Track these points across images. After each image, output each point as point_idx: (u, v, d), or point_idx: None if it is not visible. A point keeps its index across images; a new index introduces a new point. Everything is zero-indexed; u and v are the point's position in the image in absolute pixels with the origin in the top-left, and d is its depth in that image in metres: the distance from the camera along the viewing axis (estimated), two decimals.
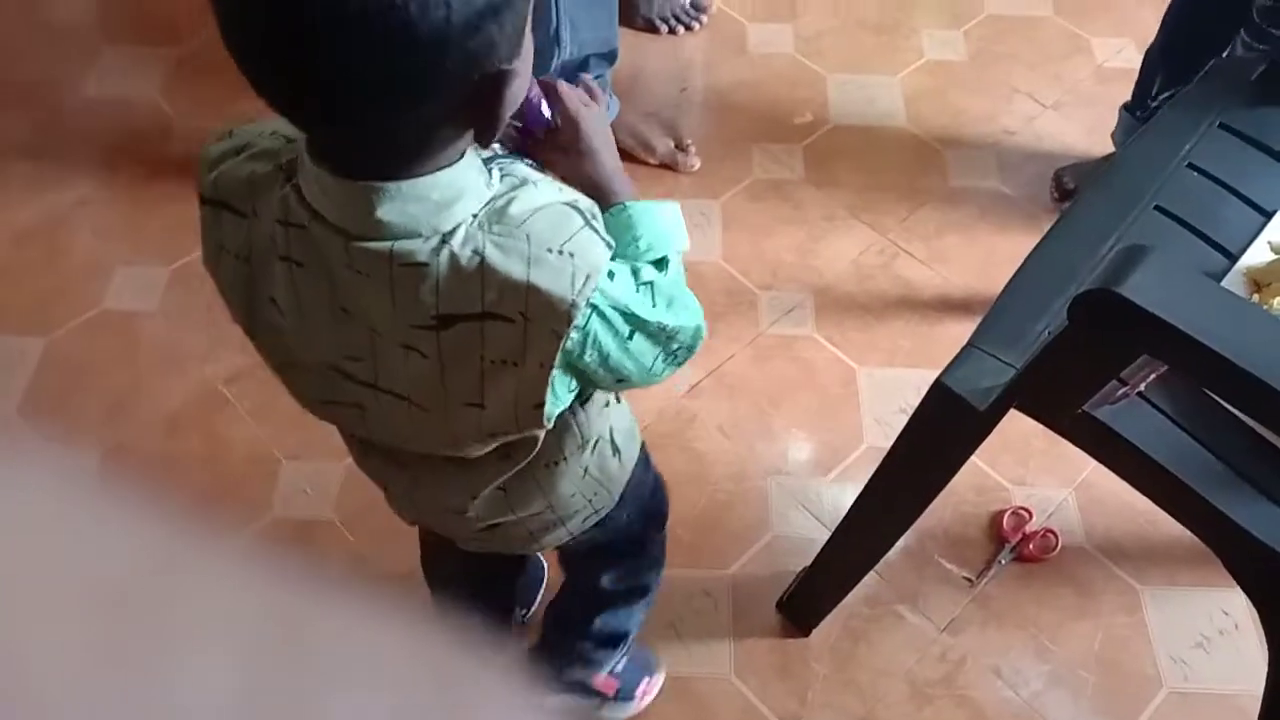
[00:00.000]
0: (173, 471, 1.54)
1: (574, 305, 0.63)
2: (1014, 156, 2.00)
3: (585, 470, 0.90)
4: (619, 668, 1.31)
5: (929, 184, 1.95)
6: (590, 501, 0.94)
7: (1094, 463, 0.95)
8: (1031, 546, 1.50)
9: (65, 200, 1.86)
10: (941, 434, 1.05)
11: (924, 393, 1.00)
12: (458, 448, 0.77)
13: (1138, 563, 1.50)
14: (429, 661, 0.24)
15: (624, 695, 1.33)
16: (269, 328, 0.73)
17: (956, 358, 0.97)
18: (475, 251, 0.63)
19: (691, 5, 2.21)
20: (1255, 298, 0.96)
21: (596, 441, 0.88)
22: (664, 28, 2.20)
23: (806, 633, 1.42)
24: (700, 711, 1.36)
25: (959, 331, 1.00)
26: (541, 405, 0.69)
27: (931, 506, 1.15)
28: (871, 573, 1.37)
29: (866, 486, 1.17)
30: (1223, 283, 0.97)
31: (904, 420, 1.07)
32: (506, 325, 0.65)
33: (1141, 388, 0.90)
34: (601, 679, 1.31)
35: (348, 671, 0.21)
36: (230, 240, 0.70)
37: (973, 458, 1.09)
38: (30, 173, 1.90)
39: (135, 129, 1.99)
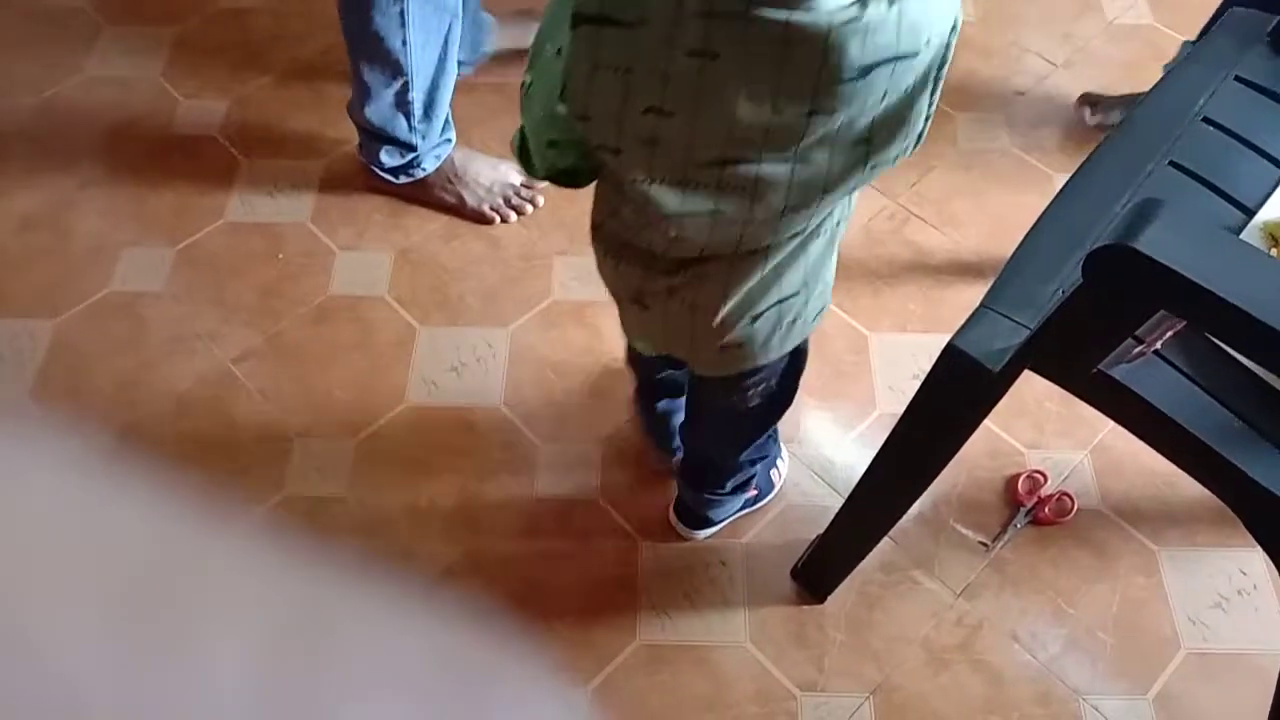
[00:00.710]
0: (184, 451, 1.54)
1: (958, 16, 0.74)
2: (1025, 117, 1.98)
3: (833, 251, 0.98)
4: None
5: (939, 147, 1.93)
6: (823, 293, 1.01)
7: (1110, 424, 0.94)
8: (1047, 510, 1.49)
9: (68, 183, 1.85)
10: (954, 397, 1.04)
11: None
12: (822, 200, 0.83)
13: (1155, 524, 1.49)
14: (449, 659, 0.24)
15: (765, 490, 1.49)
16: (641, 141, 0.78)
17: (969, 320, 0.96)
18: (890, 2, 0.70)
19: None
20: (1274, 252, 0.95)
21: (841, 224, 0.95)
22: None
23: (822, 600, 1.42)
24: (717, 680, 1.36)
25: (971, 295, 0.99)
26: (928, 119, 0.78)
27: (945, 471, 1.15)
28: (886, 539, 1.37)
29: (880, 452, 1.17)
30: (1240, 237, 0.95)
31: (917, 386, 1.06)
32: (912, 59, 0.73)
33: (1158, 345, 0.89)
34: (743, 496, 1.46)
35: (366, 669, 0.21)
36: (610, 55, 0.75)
37: (986, 422, 1.08)
38: (32, 156, 1.90)
39: (137, 109, 1.98)
